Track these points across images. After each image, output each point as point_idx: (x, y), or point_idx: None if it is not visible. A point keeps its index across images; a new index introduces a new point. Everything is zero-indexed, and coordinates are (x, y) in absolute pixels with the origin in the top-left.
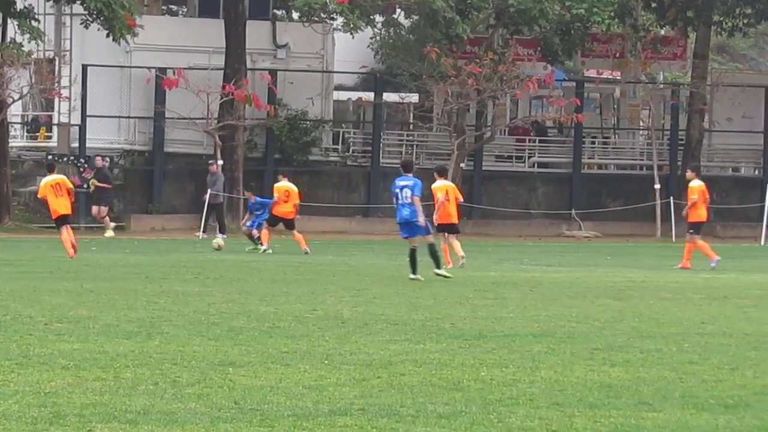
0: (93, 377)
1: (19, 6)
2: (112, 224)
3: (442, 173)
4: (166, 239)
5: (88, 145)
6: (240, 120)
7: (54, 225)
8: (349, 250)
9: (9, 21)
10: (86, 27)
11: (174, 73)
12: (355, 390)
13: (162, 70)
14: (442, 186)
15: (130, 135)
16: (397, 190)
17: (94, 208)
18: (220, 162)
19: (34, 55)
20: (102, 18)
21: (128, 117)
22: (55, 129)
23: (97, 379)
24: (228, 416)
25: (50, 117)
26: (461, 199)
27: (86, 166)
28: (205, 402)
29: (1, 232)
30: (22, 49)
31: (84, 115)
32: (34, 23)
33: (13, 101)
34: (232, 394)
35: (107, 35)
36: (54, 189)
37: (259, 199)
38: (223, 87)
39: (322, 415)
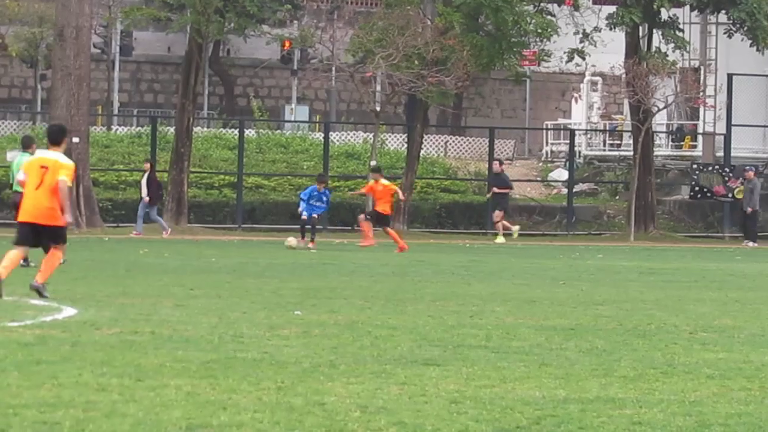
0: (738, 387)
1: (664, 16)
2: (516, 227)
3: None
4: None
5: (733, 154)
6: None
7: None
8: None
9: (654, 31)
10: (729, 36)
11: None
12: None
13: None
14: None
15: None
16: None
17: (495, 213)
18: None
19: (680, 64)
20: (745, 27)
21: None
22: (699, 138)
23: (742, 389)
24: None
25: (695, 126)
26: None
27: (731, 175)
28: None
29: (646, 240)
30: (667, 58)
31: (729, 125)
32: (678, 33)
33: (659, 110)
34: None
35: (750, 44)
36: None
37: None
38: None
39: None
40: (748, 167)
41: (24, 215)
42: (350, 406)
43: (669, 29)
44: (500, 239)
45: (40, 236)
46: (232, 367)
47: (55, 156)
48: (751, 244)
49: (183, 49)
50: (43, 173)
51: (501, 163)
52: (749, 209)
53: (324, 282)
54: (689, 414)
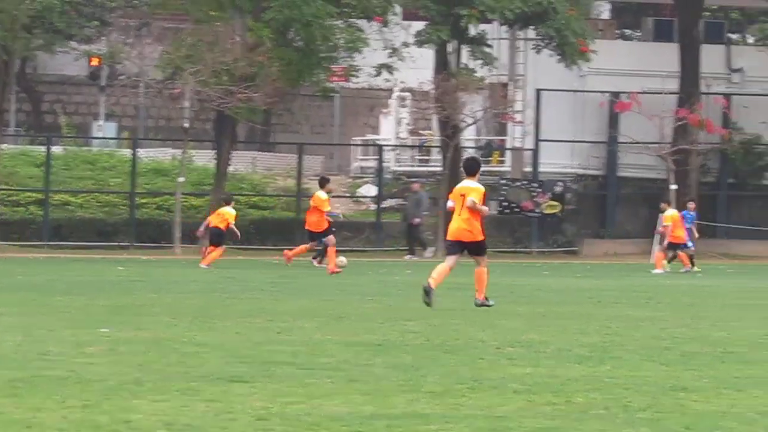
0: (544, 402)
1: (473, 32)
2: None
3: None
4: (619, 264)
5: (540, 169)
6: (694, 144)
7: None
8: None
9: (463, 47)
10: (538, 52)
11: (628, 97)
12: None
13: (615, 95)
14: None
15: (583, 159)
16: None
17: None
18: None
19: (488, 80)
20: (554, 43)
21: (581, 141)
22: (508, 153)
23: (549, 403)
24: None
25: (503, 141)
26: None
27: (539, 190)
28: (656, 427)
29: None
30: (475, 74)
31: (537, 140)
32: (487, 49)
33: (467, 125)
34: (683, 419)
35: (558, 60)
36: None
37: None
38: (677, 111)
39: None
40: (414, 180)
41: (451, 235)
42: (156, 423)
43: (477, 46)
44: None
45: (464, 250)
46: (37, 386)
47: (471, 184)
48: (407, 257)
49: None
50: (462, 200)
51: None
52: (416, 221)
53: (131, 299)
54: (495, 429)
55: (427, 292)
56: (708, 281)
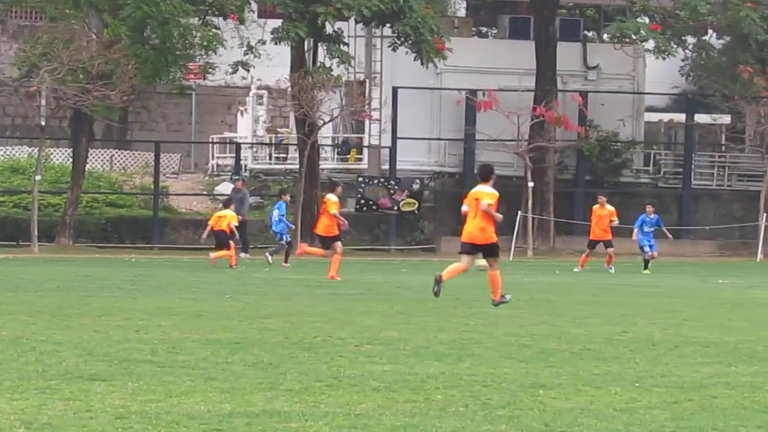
0: (403, 399)
1: (329, 30)
2: None
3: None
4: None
5: (398, 167)
6: (551, 142)
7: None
8: (660, 272)
9: (320, 45)
10: (394, 50)
11: (484, 95)
12: (666, 413)
13: (472, 92)
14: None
15: (440, 157)
16: None
17: None
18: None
19: (345, 78)
20: (410, 41)
21: (438, 139)
22: (365, 151)
23: (408, 401)
24: None
25: (361, 139)
26: None
27: (396, 188)
28: (515, 424)
29: None
30: (332, 73)
31: (394, 137)
32: (343, 47)
33: (324, 123)
34: (542, 416)
35: (415, 58)
36: None
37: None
38: (534, 109)
39: None
40: (236, 177)
41: (466, 238)
42: (15, 422)
43: (334, 44)
44: None
45: (479, 251)
46: None
47: (486, 189)
48: (243, 255)
49: None
50: (477, 203)
51: None
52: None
53: None
54: (355, 426)
55: (438, 281)
56: (565, 278)
